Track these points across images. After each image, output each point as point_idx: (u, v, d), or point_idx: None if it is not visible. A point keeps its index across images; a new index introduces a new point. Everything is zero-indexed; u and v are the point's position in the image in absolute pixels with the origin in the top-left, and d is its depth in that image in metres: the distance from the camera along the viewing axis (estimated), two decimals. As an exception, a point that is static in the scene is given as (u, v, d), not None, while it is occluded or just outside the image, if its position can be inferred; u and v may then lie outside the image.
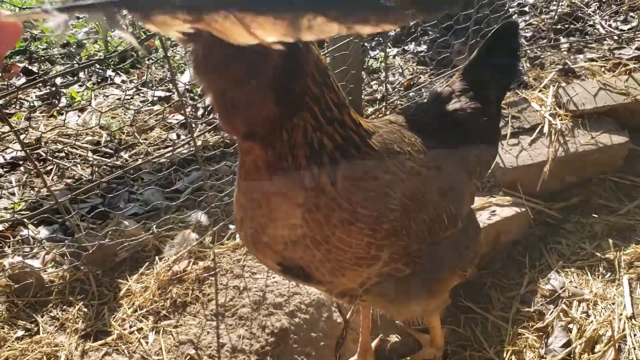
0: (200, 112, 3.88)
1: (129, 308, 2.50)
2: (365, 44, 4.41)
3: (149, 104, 3.98)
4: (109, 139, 3.60)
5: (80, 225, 2.73)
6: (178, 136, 3.60)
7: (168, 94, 4.06)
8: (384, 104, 3.56)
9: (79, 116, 3.85)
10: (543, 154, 3.11)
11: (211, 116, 3.74)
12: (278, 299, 2.48)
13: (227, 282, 2.55)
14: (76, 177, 3.25)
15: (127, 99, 4.02)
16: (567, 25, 4.33)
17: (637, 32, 4.08)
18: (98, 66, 4.46)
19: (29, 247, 2.75)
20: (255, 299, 2.48)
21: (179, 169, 3.16)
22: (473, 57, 2.26)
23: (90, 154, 3.45)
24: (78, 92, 4.17)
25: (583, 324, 2.53)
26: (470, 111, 2.08)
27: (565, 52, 4.06)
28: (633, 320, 2.50)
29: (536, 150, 3.13)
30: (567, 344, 2.46)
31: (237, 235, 2.71)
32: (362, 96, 3.66)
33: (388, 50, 4.37)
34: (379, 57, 4.31)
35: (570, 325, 2.55)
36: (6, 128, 3.76)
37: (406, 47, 4.40)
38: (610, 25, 4.35)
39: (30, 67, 4.55)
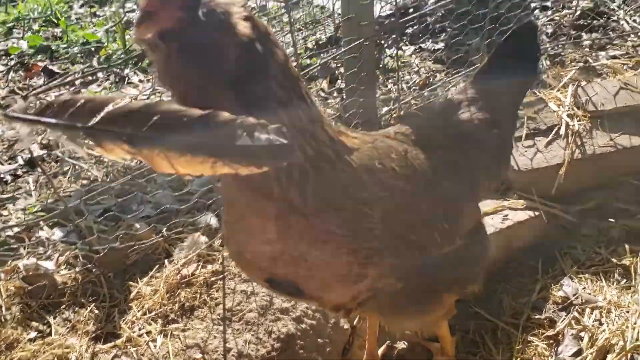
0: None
1: (138, 311, 2.53)
2: (382, 41, 4.37)
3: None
4: (124, 139, 3.62)
5: (93, 227, 2.77)
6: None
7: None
8: (397, 104, 3.53)
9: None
10: (559, 155, 3.04)
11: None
12: (285, 304, 2.49)
13: (234, 286, 2.57)
14: (91, 179, 3.30)
15: (144, 99, 4.05)
16: (589, 21, 4.22)
17: (662, 28, 3.96)
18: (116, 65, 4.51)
19: (44, 249, 2.80)
20: (262, 304, 2.49)
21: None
22: (485, 62, 2.19)
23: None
24: (96, 92, 4.22)
25: (595, 333, 2.47)
26: (478, 122, 2.01)
27: (587, 49, 3.96)
28: (647, 329, 2.45)
29: (552, 152, 3.07)
30: (578, 353, 2.41)
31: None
32: (377, 96, 3.63)
33: (404, 47, 4.33)
34: (395, 55, 4.26)
35: (582, 334, 2.49)
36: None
37: (423, 45, 4.35)
38: (635, 21, 4.22)
39: (51, 67, 4.63)
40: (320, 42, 4.54)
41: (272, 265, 1.51)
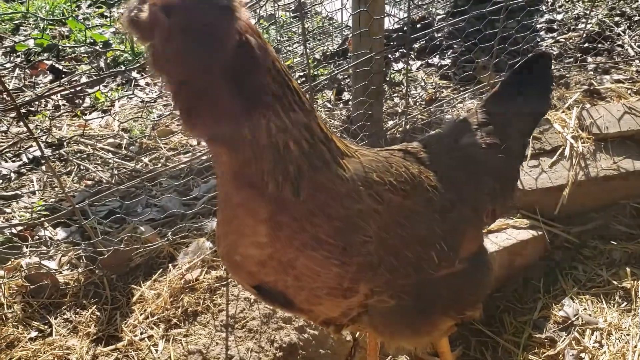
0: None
1: (140, 314, 2.52)
2: (389, 55, 4.40)
3: (172, 109, 4.02)
4: (130, 142, 3.64)
5: (97, 228, 2.77)
6: (198, 142, 3.62)
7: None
8: (404, 118, 3.55)
9: (102, 117, 3.91)
10: (563, 177, 3.07)
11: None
12: (288, 313, 2.49)
13: (238, 293, 2.56)
14: (96, 179, 3.30)
15: (150, 102, 4.06)
16: (595, 45, 4.27)
17: (666, 55, 4.01)
18: (123, 67, 4.50)
19: (46, 248, 2.79)
20: (265, 312, 2.49)
21: (197, 177, 3.18)
22: (498, 87, 2.15)
23: (111, 156, 3.50)
24: (102, 94, 4.22)
25: (595, 355, 2.49)
26: (485, 147, 1.98)
27: (592, 72, 4.00)
28: (647, 353, 2.46)
29: (556, 173, 3.10)
30: (578, 374, 2.43)
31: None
32: (383, 109, 3.66)
33: (411, 62, 4.36)
34: (402, 69, 4.29)
35: (582, 355, 2.51)
36: (31, 126, 3.83)
37: (430, 61, 4.38)
38: (639, 47, 4.28)
39: (57, 65, 4.63)
40: (328, 54, 4.57)
41: (261, 271, 1.47)
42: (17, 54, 4.99)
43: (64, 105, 4.17)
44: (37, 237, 2.89)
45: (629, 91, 3.70)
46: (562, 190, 3.01)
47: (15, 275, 2.63)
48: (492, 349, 2.64)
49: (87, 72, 4.41)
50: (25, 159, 3.51)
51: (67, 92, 4.23)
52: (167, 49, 1.20)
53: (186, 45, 1.18)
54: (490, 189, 1.97)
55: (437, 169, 1.81)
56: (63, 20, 5.48)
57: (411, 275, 1.59)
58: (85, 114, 4.00)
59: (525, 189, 3.00)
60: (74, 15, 5.51)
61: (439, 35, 4.65)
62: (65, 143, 3.57)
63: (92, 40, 5.00)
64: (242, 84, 1.24)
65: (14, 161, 3.52)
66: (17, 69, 4.74)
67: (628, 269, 2.85)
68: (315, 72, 4.26)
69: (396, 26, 4.77)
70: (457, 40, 4.23)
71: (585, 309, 2.72)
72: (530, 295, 2.85)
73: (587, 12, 4.60)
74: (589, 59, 4.16)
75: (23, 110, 3.93)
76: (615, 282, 2.81)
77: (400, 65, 4.37)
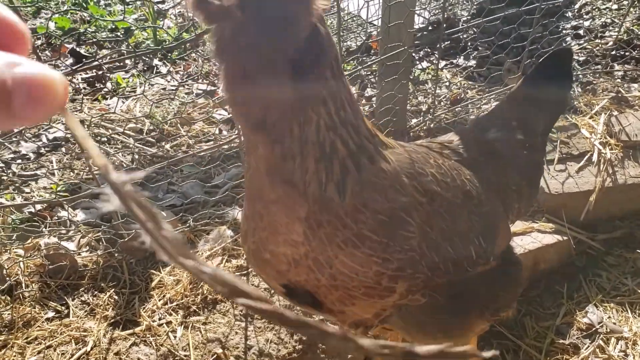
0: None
1: (159, 300, 2.49)
2: (414, 54, 4.35)
3: (194, 97, 3.99)
4: (152, 127, 3.61)
5: (117, 212, 2.73)
6: (220, 131, 3.59)
7: (213, 88, 4.06)
8: (429, 116, 3.50)
9: (124, 102, 3.88)
10: (590, 182, 3.02)
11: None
12: (315, 314, 2.44)
13: (258, 282, 2.52)
14: (117, 164, 3.26)
15: (172, 90, 4.03)
16: (623, 53, 4.22)
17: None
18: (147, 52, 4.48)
19: (66, 229, 2.76)
20: (285, 303, 2.45)
21: (220, 164, 3.15)
22: (520, 84, 2.14)
23: (132, 141, 3.46)
24: (124, 79, 4.20)
25: (621, 363, 2.44)
26: (510, 143, 1.98)
27: (619, 80, 3.95)
28: (674, 364, 2.41)
29: (583, 179, 3.05)
30: (603, 383, 2.38)
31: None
32: (407, 107, 3.61)
33: (436, 62, 4.31)
34: (427, 68, 4.25)
35: (607, 363, 2.46)
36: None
37: (454, 61, 4.34)
38: (667, 56, 4.22)
39: (78, 49, 4.60)
40: (351, 50, 4.53)
41: (292, 270, 1.40)
42: (38, 36, 4.96)
43: (84, 88, 4.15)
44: (56, 218, 2.86)
45: (658, 100, 3.65)
46: (589, 196, 2.97)
47: (33, 254, 2.60)
48: (514, 352, 2.59)
49: (109, 55, 4.38)
50: (45, 140, 3.48)
51: (89, 75, 4.20)
52: (235, 41, 1.12)
53: (259, 37, 1.11)
54: (517, 184, 1.96)
55: (469, 163, 1.78)
56: (84, 5, 5.46)
57: (450, 272, 1.52)
58: (106, 98, 3.97)
59: (552, 192, 2.95)
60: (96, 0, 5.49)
61: (465, 36, 4.60)
62: (86, 126, 3.54)
63: (113, 26, 4.97)
64: (304, 76, 1.17)
65: (33, 141, 3.49)
66: (38, 50, 4.71)
67: (654, 279, 2.81)
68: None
69: (421, 25, 4.72)
70: (483, 42, 4.18)
71: (609, 317, 2.67)
72: (553, 301, 2.80)
73: (617, 20, 4.54)
74: (617, 67, 4.10)
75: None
76: (640, 292, 2.76)
77: (425, 64, 4.33)
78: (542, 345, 2.58)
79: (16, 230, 2.64)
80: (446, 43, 4.43)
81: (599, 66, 4.05)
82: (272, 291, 2.20)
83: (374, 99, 3.77)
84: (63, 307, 2.47)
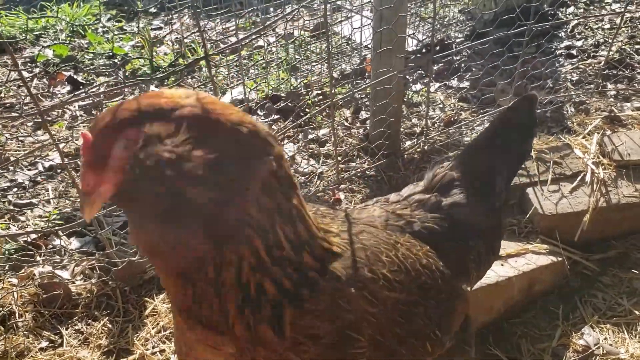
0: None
1: (152, 328, 2.49)
2: (407, 76, 4.39)
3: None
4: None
5: (111, 239, 2.74)
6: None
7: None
8: (422, 138, 3.52)
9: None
10: (584, 202, 3.02)
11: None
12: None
13: None
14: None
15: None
16: (615, 72, 4.25)
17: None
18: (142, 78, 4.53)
19: (60, 257, 2.77)
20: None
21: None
22: (479, 136, 2.06)
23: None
24: (120, 105, 4.23)
25: (618, 386, 2.42)
26: (470, 208, 1.87)
27: (612, 99, 3.97)
28: (671, 386, 2.39)
29: (577, 199, 3.05)
30: (600, 406, 2.36)
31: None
32: (401, 129, 3.64)
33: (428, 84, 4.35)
34: (421, 90, 4.28)
35: (604, 386, 2.44)
36: (46, 136, 3.84)
37: (448, 83, 4.37)
38: (659, 75, 4.25)
39: (75, 77, 4.65)
40: (345, 73, 4.57)
41: None
42: (36, 64, 5.02)
43: (81, 115, 4.18)
44: (51, 246, 2.87)
45: (650, 119, 3.67)
46: (582, 216, 2.96)
47: (27, 283, 2.61)
48: (510, 375, 2.58)
49: (106, 83, 4.42)
50: (41, 168, 3.51)
51: (86, 103, 4.24)
52: (133, 192, 1.02)
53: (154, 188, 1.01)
54: (476, 254, 1.87)
55: (427, 236, 1.71)
56: (82, 33, 5.53)
57: None
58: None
59: (546, 213, 2.96)
60: (93, 28, 5.56)
61: (458, 57, 4.64)
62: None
63: (111, 53, 5.03)
64: (213, 218, 1.03)
65: (29, 169, 3.51)
66: (36, 78, 4.77)
67: (650, 299, 2.79)
68: (333, 91, 4.26)
69: (414, 47, 4.77)
70: (477, 63, 4.22)
71: (605, 338, 2.65)
72: (548, 322, 2.79)
73: (608, 39, 4.58)
74: (610, 86, 4.13)
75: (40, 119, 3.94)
76: (637, 312, 2.74)
77: (419, 86, 4.36)
78: (538, 368, 2.57)
79: (10, 260, 2.65)
80: (439, 65, 4.46)
81: (592, 85, 4.08)
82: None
83: (368, 121, 3.79)
84: (57, 337, 2.47)
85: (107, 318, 2.54)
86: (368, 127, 3.71)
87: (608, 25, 4.98)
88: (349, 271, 1.28)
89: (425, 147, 3.50)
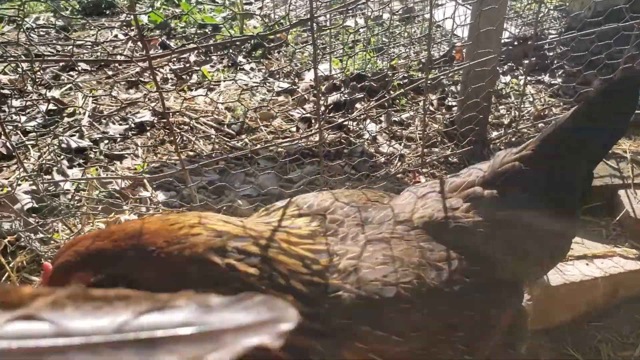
0: (322, 110, 3.91)
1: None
2: (498, 68, 4.27)
3: (274, 94, 4.07)
4: (232, 120, 3.70)
5: (197, 196, 2.80)
6: (297, 129, 3.64)
7: (293, 87, 4.12)
8: (510, 130, 3.42)
9: (207, 95, 4.00)
10: (680, 209, 2.86)
11: (330, 114, 3.76)
12: None
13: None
14: (197, 151, 3.36)
15: (254, 86, 4.12)
16: None
17: None
18: (231, 50, 4.61)
19: (146, 207, 2.85)
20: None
21: (295, 160, 3.18)
22: (561, 120, 1.70)
23: (213, 131, 3.56)
24: (209, 72, 4.33)
25: None
26: (534, 204, 1.64)
27: None
28: None
29: (673, 206, 2.89)
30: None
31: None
32: (489, 119, 3.55)
33: (520, 77, 4.23)
34: (510, 82, 4.16)
35: (690, 402, 2.31)
36: (138, 95, 3.97)
37: (539, 77, 4.23)
38: None
39: (167, 42, 4.79)
40: (433, 58, 4.49)
41: None
42: (132, 28, 5.20)
43: (171, 79, 4.30)
44: (137, 197, 2.97)
45: None
46: (678, 224, 2.81)
47: (114, 228, 2.70)
48: (587, 379, 2.47)
49: (196, 49, 4.53)
50: (131, 123, 3.63)
51: (176, 67, 4.36)
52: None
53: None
54: (535, 260, 1.68)
55: (471, 241, 1.53)
56: (176, 2, 5.68)
57: None
58: (192, 90, 4.10)
59: (637, 217, 2.81)
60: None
61: (551, 54, 4.48)
62: (171, 114, 3.66)
63: (202, 22, 5.15)
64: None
65: (120, 124, 3.65)
66: (131, 41, 4.94)
67: None
68: (420, 75, 4.21)
69: (506, 40, 4.64)
70: (571, 58, 4.05)
71: (695, 354, 2.51)
72: (631, 330, 2.65)
73: None
74: None
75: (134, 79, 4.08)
76: None
77: (508, 78, 4.24)
78: (618, 375, 2.45)
79: (102, 203, 2.76)
80: (532, 59, 4.32)
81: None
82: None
83: (454, 109, 3.72)
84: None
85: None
86: (454, 114, 3.64)
87: None
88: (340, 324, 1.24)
89: (513, 139, 3.40)
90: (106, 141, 3.46)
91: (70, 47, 3.86)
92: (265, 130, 3.60)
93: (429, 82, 3.71)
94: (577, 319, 2.65)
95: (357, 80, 4.07)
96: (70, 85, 4.13)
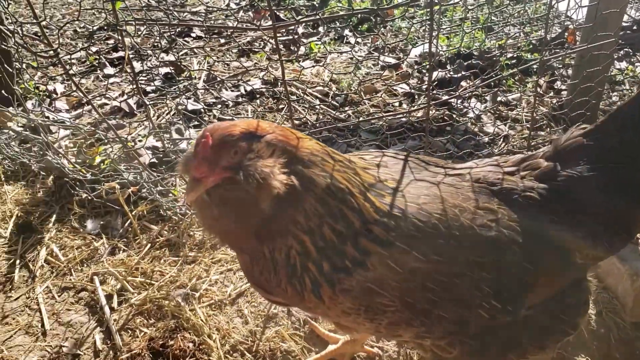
0: (424, 86, 3.93)
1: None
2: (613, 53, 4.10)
3: (379, 69, 4.13)
4: (337, 92, 3.80)
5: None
6: (400, 103, 3.69)
7: (397, 62, 4.16)
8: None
9: (314, 66, 4.12)
10: None
11: (435, 91, 3.77)
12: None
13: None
14: (303, 120, 3.50)
15: (359, 60, 4.19)
16: None
17: None
18: (338, 23, 4.70)
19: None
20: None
21: (397, 134, 3.26)
22: (633, 97, 1.65)
23: (318, 102, 3.69)
24: (317, 45, 4.45)
25: None
26: (594, 180, 1.60)
27: None
28: None
29: None
30: None
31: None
32: (600, 105, 3.44)
33: (637, 64, 4.04)
34: (626, 69, 3.99)
35: None
36: (249, 63, 4.16)
37: (659, 65, 4.02)
38: None
39: (277, 13, 4.95)
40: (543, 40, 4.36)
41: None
42: (244, -1, 5.41)
43: (281, 50, 4.46)
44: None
45: None
46: None
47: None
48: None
49: (304, 22, 4.65)
50: (243, 91, 3.82)
51: (285, 38, 4.51)
52: (209, 216, 1.41)
53: (223, 214, 1.36)
54: (588, 232, 1.62)
55: (522, 207, 1.56)
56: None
57: (456, 330, 1.53)
58: (299, 61, 4.24)
59: None
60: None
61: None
62: (279, 83, 3.83)
63: (311, -5, 5.26)
64: (262, 227, 1.37)
65: (232, 91, 3.85)
66: (241, 10, 5.14)
67: None
68: (530, 57, 4.12)
69: (624, 24, 4.42)
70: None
71: None
72: None
73: None
74: None
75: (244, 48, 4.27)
76: None
77: (624, 64, 4.06)
78: None
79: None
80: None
81: None
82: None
83: (563, 92, 3.63)
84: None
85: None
86: (564, 98, 3.56)
87: None
88: (383, 238, 1.41)
89: (625, 127, 3.28)
90: (219, 106, 3.67)
91: (186, 13, 4.08)
92: (368, 103, 3.68)
93: (547, 58, 3.64)
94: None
95: (463, 58, 4.05)
96: (185, 51, 4.38)
